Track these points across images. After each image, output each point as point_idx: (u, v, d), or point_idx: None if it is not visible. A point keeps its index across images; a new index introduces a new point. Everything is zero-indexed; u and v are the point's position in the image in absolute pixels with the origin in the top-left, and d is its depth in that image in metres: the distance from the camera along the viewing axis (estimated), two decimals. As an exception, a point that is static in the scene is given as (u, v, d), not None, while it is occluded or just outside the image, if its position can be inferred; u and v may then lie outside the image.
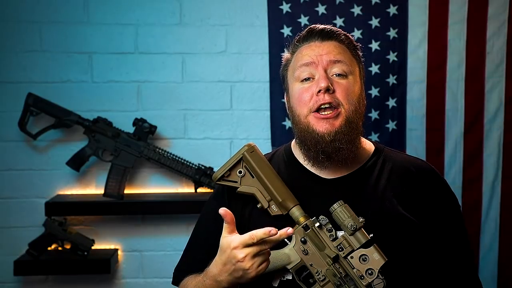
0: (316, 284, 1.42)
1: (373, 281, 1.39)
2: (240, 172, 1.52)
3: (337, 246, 1.42)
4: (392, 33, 3.09)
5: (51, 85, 2.95)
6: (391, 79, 3.11)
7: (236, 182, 1.53)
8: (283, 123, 3.04)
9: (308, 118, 1.52)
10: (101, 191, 2.90)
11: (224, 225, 1.42)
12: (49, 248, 2.87)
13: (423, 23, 3.10)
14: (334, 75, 1.53)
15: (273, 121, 3.05)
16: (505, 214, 3.19)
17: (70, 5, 2.95)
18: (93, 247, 2.88)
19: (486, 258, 3.18)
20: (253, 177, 1.52)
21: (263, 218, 1.50)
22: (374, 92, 3.10)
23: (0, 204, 2.97)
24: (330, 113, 1.50)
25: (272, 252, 1.44)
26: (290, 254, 1.44)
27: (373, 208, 1.50)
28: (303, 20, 3.04)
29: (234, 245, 1.36)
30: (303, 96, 1.53)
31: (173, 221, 3.02)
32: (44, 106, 2.86)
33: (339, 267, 1.42)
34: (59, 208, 2.84)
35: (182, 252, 1.69)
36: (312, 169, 1.59)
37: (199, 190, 2.94)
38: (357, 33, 3.06)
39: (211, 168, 2.90)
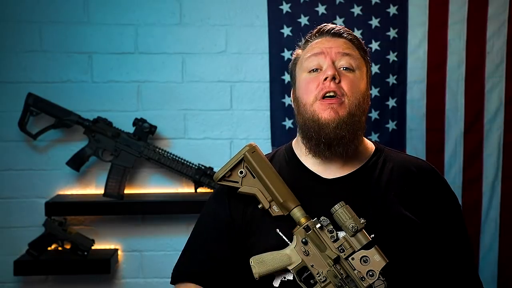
0: (317, 285, 1.42)
1: (374, 282, 1.38)
2: (241, 172, 1.52)
3: (338, 247, 1.42)
4: (392, 33, 3.09)
5: (51, 85, 2.95)
6: (391, 79, 3.11)
7: (237, 182, 1.53)
8: (283, 123, 3.04)
9: (314, 106, 1.52)
10: (101, 191, 2.90)
11: None
12: (49, 248, 2.87)
13: (423, 23, 3.10)
14: (342, 68, 1.55)
15: (273, 121, 3.05)
16: (505, 214, 3.19)
17: (70, 5, 2.95)
18: (93, 247, 2.88)
19: (486, 258, 3.18)
20: (254, 177, 1.51)
21: (264, 219, 1.50)
22: (374, 92, 3.10)
23: (0, 204, 2.97)
24: (335, 99, 1.51)
25: (273, 253, 1.45)
26: (291, 255, 1.44)
27: (374, 208, 1.50)
28: (303, 20, 3.04)
29: None
30: (310, 85, 1.54)
31: (173, 221, 3.02)
32: (44, 106, 2.86)
33: (340, 268, 1.42)
34: (59, 208, 2.84)
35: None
36: (313, 168, 1.59)
37: (199, 190, 2.94)
38: (357, 33, 3.06)
39: (211, 168, 2.90)
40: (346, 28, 1.63)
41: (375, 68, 3.08)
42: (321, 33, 1.62)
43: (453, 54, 3.13)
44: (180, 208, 2.90)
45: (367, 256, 1.40)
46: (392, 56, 3.10)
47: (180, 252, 1.68)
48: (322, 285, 1.42)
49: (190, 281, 1.59)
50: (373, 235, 1.42)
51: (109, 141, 2.89)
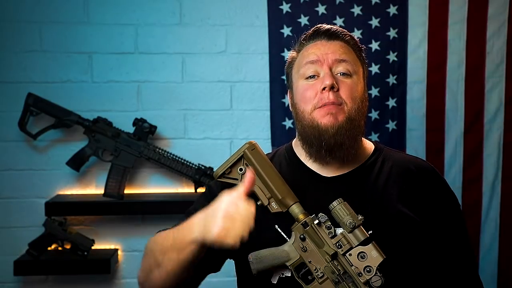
0: (315, 281, 1.43)
1: (371, 278, 1.39)
2: (241, 169, 1.53)
3: (336, 243, 1.42)
4: (392, 33, 3.09)
5: (51, 85, 2.95)
6: (391, 79, 3.11)
7: (237, 179, 1.53)
8: (283, 123, 3.04)
9: (313, 114, 1.53)
10: (101, 191, 2.91)
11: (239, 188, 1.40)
12: (49, 248, 2.87)
13: (423, 23, 3.10)
14: (339, 74, 1.54)
15: (273, 121, 3.05)
16: (505, 214, 3.19)
17: (70, 5, 2.95)
18: (93, 247, 2.88)
19: (486, 258, 3.18)
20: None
21: (263, 215, 1.50)
22: (374, 92, 3.10)
23: (0, 204, 2.97)
24: (334, 105, 1.50)
25: (271, 249, 1.46)
26: (289, 251, 1.45)
27: (373, 205, 1.51)
28: (303, 20, 3.04)
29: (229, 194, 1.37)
30: (308, 93, 1.54)
31: (173, 221, 2.96)
32: (44, 106, 2.87)
33: (337, 264, 1.42)
34: (59, 208, 2.84)
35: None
36: (313, 167, 1.59)
37: (199, 190, 2.94)
38: (357, 33, 3.06)
39: (211, 168, 2.90)
40: (341, 28, 1.62)
41: (375, 68, 3.08)
42: (316, 35, 1.61)
43: (453, 54, 3.13)
44: (180, 208, 2.88)
45: (364, 252, 1.40)
46: (392, 56, 3.10)
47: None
48: (320, 281, 1.42)
49: None
50: (371, 232, 1.43)
51: (109, 141, 2.89)
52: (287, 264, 1.44)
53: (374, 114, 3.11)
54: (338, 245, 1.42)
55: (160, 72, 3.01)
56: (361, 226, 1.41)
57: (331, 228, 1.44)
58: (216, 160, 2.94)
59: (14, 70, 2.94)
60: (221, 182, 1.56)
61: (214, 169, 2.82)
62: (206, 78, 3.04)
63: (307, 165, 1.60)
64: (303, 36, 1.64)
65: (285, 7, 3.03)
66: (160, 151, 2.90)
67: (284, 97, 3.02)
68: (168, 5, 3.01)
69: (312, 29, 1.63)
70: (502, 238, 3.19)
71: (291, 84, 1.65)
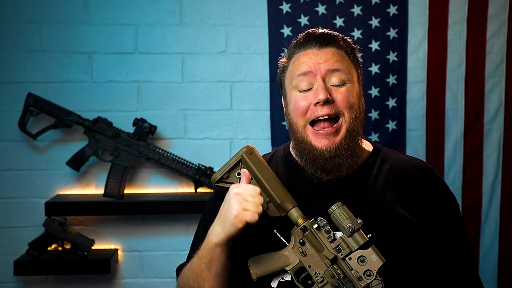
0: (315, 286, 1.42)
1: (371, 282, 1.38)
2: (238, 174, 1.53)
3: (335, 248, 1.42)
4: (392, 33, 3.09)
5: (51, 85, 2.95)
6: (391, 79, 3.11)
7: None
8: (283, 123, 3.03)
9: (306, 130, 1.52)
10: (101, 191, 2.91)
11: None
12: (49, 248, 2.88)
13: (423, 23, 3.10)
14: (333, 85, 1.51)
15: (273, 121, 3.05)
16: (505, 214, 3.19)
17: (70, 5, 2.95)
18: (93, 247, 2.89)
19: (486, 258, 3.18)
20: (252, 178, 1.51)
21: (262, 220, 1.50)
22: (374, 92, 3.09)
23: (0, 204, 2.97)
24: (329, 129, 1.49)
25: (271, 253, 1.45)
26: (289, 255, 1.44)
27: (372, 208, 1.51)
28: (303, 20, 3.04)
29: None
30: (300, 104, 1.52)
31: (173, 221, 3.02)
32: (44, 106, 2.87)
33: (337, 269, 1.42)
34: (59, 208, 2.84)
35: (181, 252, 1.69)
36: (310, 170, 1.58)
37: (199, 190, 2.95)
38: (357, 33, 3.06)
39: (211, 168, 2.90)
40: (333, 32, 1.58)
41: (375, 68, 3.08)
42: (308, 41, 1.56)
43: (453, 54, 3.12)
44: (180, 208, 2.90)
45: (364, 256, 1.40)
46: (392, 56, 3.10)
47: (180, 252, 1.68)
48: (320, 285, 1.42)
49: None
50: (370, 235, 1.42)
51: (109, 141, 2.89)
52: (287, 268, 1.44)
53: (374, 114, 3.11)
54: (338, 249, 1.41)
55: (160, 72, 3.01)
56: (360, 230, 1.41)
57: (331, 232, 1.43)
58: (216, 160, 2.95)
59: (14, 70, 2.94)
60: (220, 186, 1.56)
61: (214, 169, 2.84)
62: (206, 78, 3.04)
63: (305, 168, 1.59)
64: (294, 42, 1.60)
65: (285, 7, 3.03)
66: (160, 151, 2.90)
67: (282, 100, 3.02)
68: (168, 5, 3.00)
69: (303, 34, 1.59)
70: (502, 238, 3.19)
71: (284, 92, 1.62)
